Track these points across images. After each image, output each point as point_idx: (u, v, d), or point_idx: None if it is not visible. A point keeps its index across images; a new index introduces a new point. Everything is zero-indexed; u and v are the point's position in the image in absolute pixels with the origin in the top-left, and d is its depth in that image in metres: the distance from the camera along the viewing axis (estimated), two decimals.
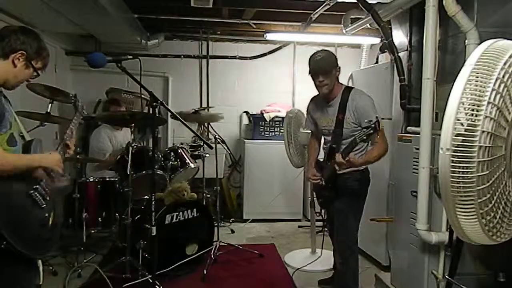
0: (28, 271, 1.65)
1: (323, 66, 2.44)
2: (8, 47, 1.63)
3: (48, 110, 2.95)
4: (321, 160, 2.74)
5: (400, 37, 3.29)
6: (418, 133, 2.46)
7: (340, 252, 2.64)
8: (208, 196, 4.36)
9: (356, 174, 2.55)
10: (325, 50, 2.56)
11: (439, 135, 1.18)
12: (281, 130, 4.71)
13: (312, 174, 2.69)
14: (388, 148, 2.46)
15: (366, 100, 2.47)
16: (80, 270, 3.12)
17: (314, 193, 2.94)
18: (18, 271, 1.59)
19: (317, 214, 3.56)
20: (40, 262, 1.77)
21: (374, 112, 2.41)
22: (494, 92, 1.13)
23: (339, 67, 2.52)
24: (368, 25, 3.71)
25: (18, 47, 1.64)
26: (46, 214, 1.68)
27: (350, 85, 4.86)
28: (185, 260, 3.20)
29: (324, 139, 2.71)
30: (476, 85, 1.14)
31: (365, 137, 2.10)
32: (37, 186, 1.64)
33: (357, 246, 2.63)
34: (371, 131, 2.07)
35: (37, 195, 1.63)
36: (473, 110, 1.13)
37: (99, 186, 3.34)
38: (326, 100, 2.58)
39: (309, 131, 2.94)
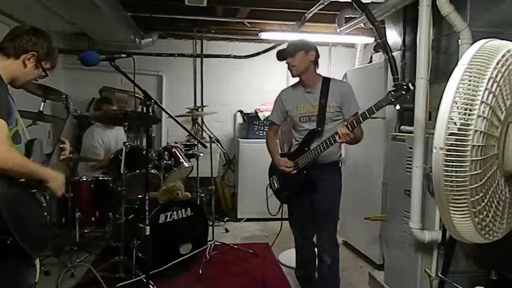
0: (25, 269, 1.65)
1: (287, 48, 2.55)
2: (20, 48, 1.63)
3: (41, 109, 2.92)
4: (291, 152, 2.69)
5: (393, 36, 3.30)
6: (412, 132, 2.47)
7: (327, 251, 2.54)
8: (202, 195, 4.35)
9: (337, 166, 2.59)
10: (302, 38, 2.66)
11: (433, 134, 1.19)
12: None
13: (284, 162, 2.61)
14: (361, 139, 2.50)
15: (350, 88, 2.56)
16: (73, 270, 3.10)
17: (276, 188, 2.81)
18: (15, 267, 1.59)
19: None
20: (37, 260, 1.76)
21: (355, 99, 2.50)
22: (487, 92, 1.13)
23: (313, 52, 2.54)
24: (362, 24, 3.71)
25: (29, 48, 1.65)
26: (45, 213, 1.69)
27: None
28: (179, 260, 3.19)
29: (301, 127, 2.62)
30: (469, 85, 1.15)
31: (393, 99, 2.12)
32: (39, 186, 1.64)
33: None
34: (403, 92, 2.10)
35: (39, 194, 1.64)
36: (466, 109, 1.14)
37: (92, 185, 3.32)
38: (305, 88, 2.59)
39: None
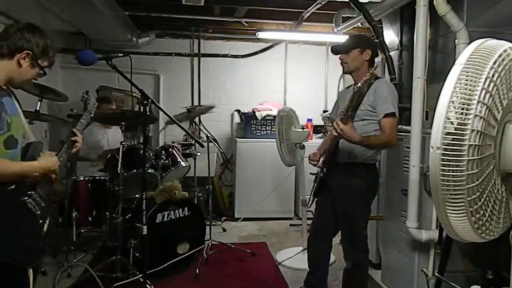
0: (14, 280, 1.56)
1: (342, 44, 2.50)
2: (13, 46, 1.56)
3: (37, 108, 2.92)
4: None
5: (391, 36, 3.31)
6: (409, 132, 2.48)
7: (346, 254, 2.58)
8: (200, 195, 4.35)
9: (359, 169, 2.43)
10: (361, 34, 2.55)
11: (430, 133, 1.19)
12: (273, 129, 4.70)
13: (312, 153, 2.64)
14: (393, 144, 2.41)
15: (388, 87, 2.42)
16: (70, 270, 3.08)
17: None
18: (3, 280, 1.50)
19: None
20: (30, 270, 1.66)
21: (392, 101, 2.34)
22: (484, 91, 1.13)
23: (370, 51, 2.44)
24: (359, 24, 3.73)
25: (23, 46, 1.58)
26: (41, 221, 1.61)
27: (341, 83, 4.91)
28: (176, 259, 3.18)
29: None
30: (466, 84, 1.15)
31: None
32: (32, 192, 1.57)
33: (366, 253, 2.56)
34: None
35: (32, 202, 1.55)
36: (463, 109, 1.14)
37: (89, 185, 3.31)
38: (354, 86, 2.53)
39: (301, 130, 2.92)
